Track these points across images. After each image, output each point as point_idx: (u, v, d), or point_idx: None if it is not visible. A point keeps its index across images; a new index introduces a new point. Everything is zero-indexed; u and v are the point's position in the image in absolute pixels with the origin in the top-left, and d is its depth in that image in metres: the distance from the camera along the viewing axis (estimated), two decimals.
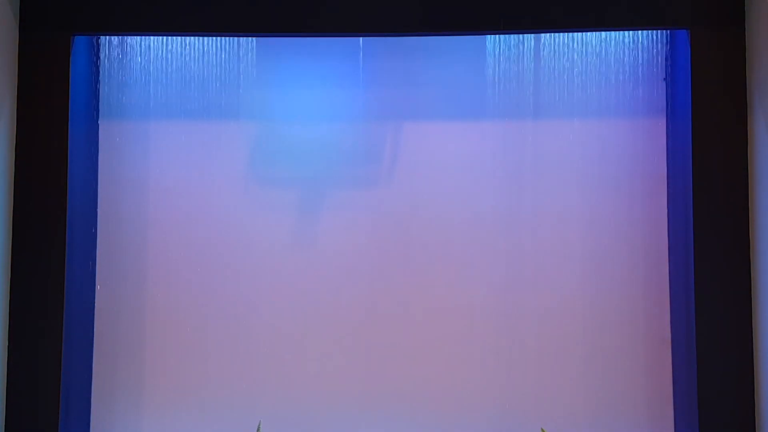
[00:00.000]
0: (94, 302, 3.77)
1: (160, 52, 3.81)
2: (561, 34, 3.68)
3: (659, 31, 3.68)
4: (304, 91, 3.83)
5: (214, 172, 3.82)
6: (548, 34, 3.69)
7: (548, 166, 3.76)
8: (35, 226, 3.49)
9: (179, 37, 3.77)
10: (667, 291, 3.68)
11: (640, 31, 3.70)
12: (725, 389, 3.36)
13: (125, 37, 3.79)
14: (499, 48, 3.76)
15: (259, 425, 3.50)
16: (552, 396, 3.64)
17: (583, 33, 3.69)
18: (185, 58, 3.83)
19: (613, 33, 3.71)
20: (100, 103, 3.78)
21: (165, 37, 3.78)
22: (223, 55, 3.84)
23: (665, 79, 3.68)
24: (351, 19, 3.54)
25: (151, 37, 3.77)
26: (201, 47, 3.83)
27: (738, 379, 3.38)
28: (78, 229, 3.61)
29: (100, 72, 3.78)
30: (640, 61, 3.72)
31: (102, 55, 3.80)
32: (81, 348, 3.66)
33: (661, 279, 3.70)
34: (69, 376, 3.54)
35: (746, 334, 3.40)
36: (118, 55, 3.82)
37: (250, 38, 3.76)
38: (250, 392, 3.72)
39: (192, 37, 3.78)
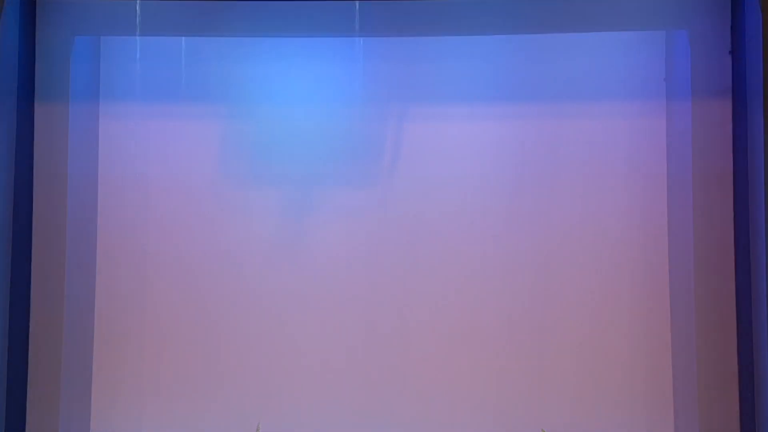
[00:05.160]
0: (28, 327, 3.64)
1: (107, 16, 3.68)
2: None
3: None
4: (290, 67, 3.75)
5: (178, 166, 3.75)
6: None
7: (580, 157, 3.68)
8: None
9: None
10: (734, 308, 3.55)
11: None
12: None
13: None
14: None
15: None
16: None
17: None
18: (138, 24, 3.69)
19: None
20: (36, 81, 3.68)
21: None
22: (190, 23, 3.70)
23: (730, 52, 3.55)
24: None
25: None
26: (162, 11, 3.68)
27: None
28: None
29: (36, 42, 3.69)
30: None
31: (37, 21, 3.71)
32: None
33: (725, 293, 3.54)
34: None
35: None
36: None
37: (224, 2, 3.64)
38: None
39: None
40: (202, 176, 3.70)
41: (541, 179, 3.67)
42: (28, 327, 3.54)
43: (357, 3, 3.63)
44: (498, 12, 3.56)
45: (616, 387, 3.61)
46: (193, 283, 3.69)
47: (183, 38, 3.70)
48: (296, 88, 3.72)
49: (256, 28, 3.69)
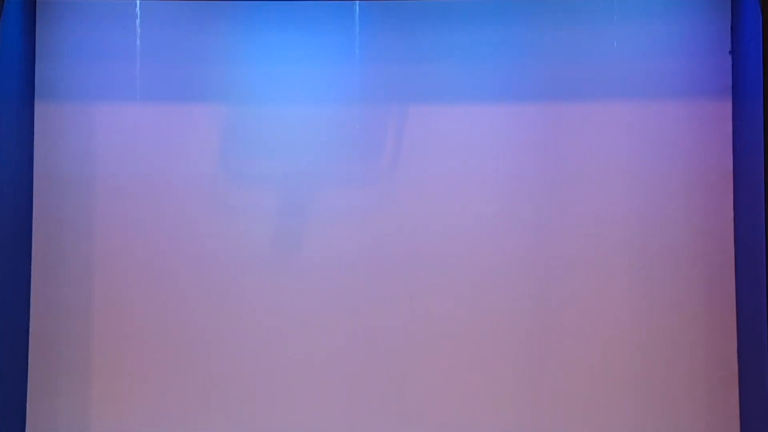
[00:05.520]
0: (28, 329, 3.64)
1: (107, 16, 3.68)
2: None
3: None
4: (288, 67, 3.72)
5: (176, 166, 3.71)
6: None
7: (586, 157, 3.64)
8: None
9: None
10: (734, 310, 3.53)
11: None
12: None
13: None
14: (526, 14, 3.66)
15: None
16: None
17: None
18: (138, 24, 3.70)
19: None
20: (36, 81, 3.68)
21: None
22: (188, 23, 3.70)
23: (730, 52, 3.56)
24: None
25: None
26: (161, 11, 3.70)
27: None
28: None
29: (36, 42, 3.66)
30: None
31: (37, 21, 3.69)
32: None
33: (726, 295, 3.54)
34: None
35: None
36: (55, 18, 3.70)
37: (222, 2, 3.64)
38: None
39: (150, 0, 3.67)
40: (201, 176, 3.69)
41: (542, 180, 3.65)
42: (28, 327, 3.55)
43: (357, 3, 3.63)
44: (496, 12, 3.58)
45: (615, 387, 3.58)
46: (193, 283, 3.66)
47: (182, 38, 3.69)
48: (296, 88, 3.69)
49: (255, 27, 3.69)
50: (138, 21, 3.67)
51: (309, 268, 3.65)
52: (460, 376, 3.60)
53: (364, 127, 3.67)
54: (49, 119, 3.66)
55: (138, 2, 3.66)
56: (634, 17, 3.62)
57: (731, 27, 3.55)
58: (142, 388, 3.63)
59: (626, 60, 3.61)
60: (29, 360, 3.55)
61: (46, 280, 3.63)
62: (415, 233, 3.63)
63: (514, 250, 3.63)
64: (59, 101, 3.67)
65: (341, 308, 3.63)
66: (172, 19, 3.68)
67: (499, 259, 3.63)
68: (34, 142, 3.64)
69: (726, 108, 3.57)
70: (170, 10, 3.68)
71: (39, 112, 3.65)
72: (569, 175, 3.63)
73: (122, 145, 3.68)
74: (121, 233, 3.66)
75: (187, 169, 3.68)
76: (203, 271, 3.66)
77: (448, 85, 3.66)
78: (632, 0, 3.61)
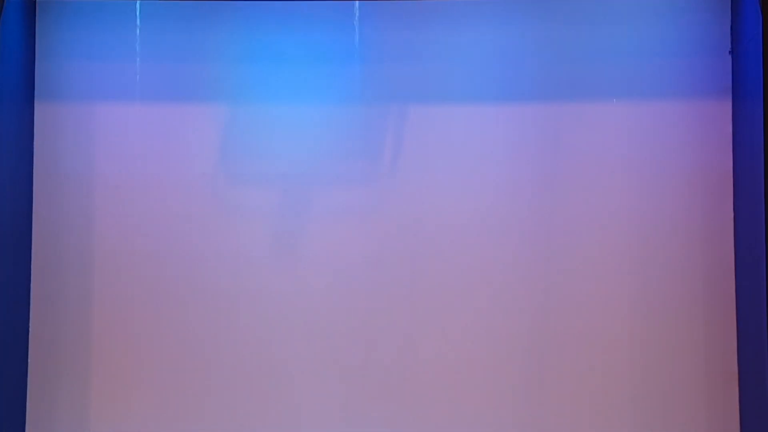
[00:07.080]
0: (28, 329, 3.61)
1: (107, 16, 3.67)
2: None
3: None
4: (288, 67, 3.69)
5: (175, 166, 3.68)
6: None
7: (586, 158, 3.62)
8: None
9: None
10: (734, 310, 3.52)
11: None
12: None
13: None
14: (531, 14, 3.64)
15: None
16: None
17: None
18: (138, 24, 3.68)
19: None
20: (36, 81, 3.66)
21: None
22: (188, 23, 3.68)
23: (730, 52, 3.55)
24: None
25: None
26: (158, 10, 3.69)
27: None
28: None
29: (36, 42, 3.65)
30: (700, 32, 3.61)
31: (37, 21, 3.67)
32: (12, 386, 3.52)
33: (726, 295, 3.53)
34: None
35: None
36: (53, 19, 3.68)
37: (222, 2, 3.62)
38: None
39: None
40: (201, 176, 3.67)
41: (541, 180, 3.63)
42: (28, 327, 3.54)
43: (357, 3, 3.62)
44: (497, 12, 3.58)
45: (615, 386, 3.58)
46: (192, 283, 3.64)
47: (182, 38, 3.68)
48: (296, 88, 3.67)
49: (255, 27, 3.68)
50: (138, 21, 3.66)
51: (309, 268, 3.63)
52: (460, 376, 3.58)
53: (364, 127, 3.65)
54: (49, 119, 3.64)
55: (138, 2, 3.65)
56: (634, 17, 3.60)
57: (731, 27, 3.54)
58: (142, 389, 3.61)
59: (626, 60, 3.59)
60: (29, 360, 3.54)
61: (46, 280, 3.62)
62: (415, 233, 3.61)
63: (514, 249, 3.61)
64: (59, 101, 3.66)
65: (341, 308, 3.61)
66: (172, 19, 3.66)
67: (499, 258, 3.61)
68: (34, 142, 3.62)
69: (726, 108, 3.55)
70: (170, 10, 3.66)
71: (39, 112, 3.64)
72: (569, 175, 3.61)
73: (122, 144, 3.66)
74: (121, 233, 3.64)
75: (187, 169, 3.66)
76: (203, 270, 3.64)
77: (448, 85, 3.64)
78: (632, 0, 3.58)
